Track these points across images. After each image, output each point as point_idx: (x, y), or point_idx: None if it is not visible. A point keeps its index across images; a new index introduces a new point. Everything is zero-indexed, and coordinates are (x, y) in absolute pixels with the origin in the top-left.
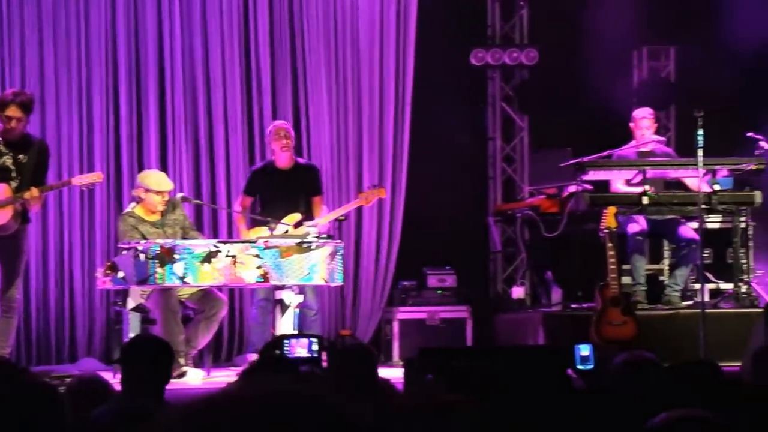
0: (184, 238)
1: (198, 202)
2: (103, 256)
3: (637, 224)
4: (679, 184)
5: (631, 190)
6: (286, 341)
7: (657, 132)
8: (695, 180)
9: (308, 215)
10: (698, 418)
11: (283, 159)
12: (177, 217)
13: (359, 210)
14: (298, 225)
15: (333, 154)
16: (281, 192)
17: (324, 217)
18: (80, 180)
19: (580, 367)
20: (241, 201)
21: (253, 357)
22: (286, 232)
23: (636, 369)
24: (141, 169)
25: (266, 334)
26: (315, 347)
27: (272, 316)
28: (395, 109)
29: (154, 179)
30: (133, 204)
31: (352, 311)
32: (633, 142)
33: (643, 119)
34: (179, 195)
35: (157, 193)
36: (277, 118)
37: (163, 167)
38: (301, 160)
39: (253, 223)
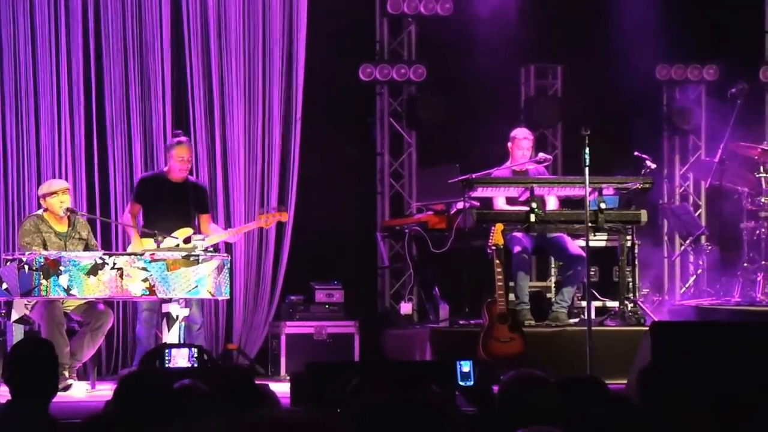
0: None
1: (84, 214)
2: None
3: (522, 242)
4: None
5: (512, 208)
6: (166, 351)
7: (544, 150)
8: (553, 198)
9: (197, 231)
10: None
11: (180, 173)
12: (83, 236)
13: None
14: (188, 240)
15: (221, 167)
16: (172, 204)
17: (217, 235)
18: None
19: (461, 383)
20: (130, 208)
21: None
22: (177, 245)
23: (524, 386)
24: (27, 178)
25: (151, 346)
26: (195, 357)
27: (156, 328)
28: (285, 123)
29: (46, 184)
30: (41, 211)
31: (240, 325)
32: (508, 162)
33: (524, 140)
34: (65, 207)
35: (51, 194)
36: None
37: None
38: (191, 177)
39: (143, 234)
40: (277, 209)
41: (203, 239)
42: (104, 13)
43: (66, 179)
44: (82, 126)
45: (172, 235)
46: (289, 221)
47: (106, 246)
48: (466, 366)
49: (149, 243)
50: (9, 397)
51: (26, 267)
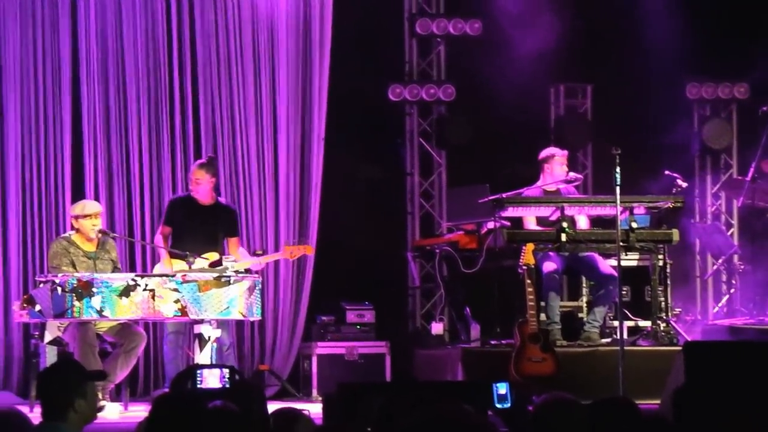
0: None
1: (116, 235)
2: (19, 288)
3: (552, 262)
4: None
5: (542, 228)
6: (198, 372)
7: (574, 169)
8: (584, 218)
9: (225, 254)
10: None
11: (198, 195)
12: (112, 257)
13: (274, 245)
14: (214, 264)
15: (244, 185)
16: (199, 226)
17: (244, 261)
18: None
19: (498, 405)
20: (161, 230)
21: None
22: (203, 268)
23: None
24: (56, 200)
25: (180, 364)
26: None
27: (183, 349)
28: (310, 144)
29: (80, 205)
30: (72, 232)
31: (271, 346)
32: (539, 182)
33: (554, 159)
34: (96, 229)
35: (84, 216)
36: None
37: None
38: (221, 200)
39: (173, 255)
40: (303, 242)
41: (234, 260)
42: (131, 33)
43: (98, 200)
44: (115, 146)
45: (202, 256)
46: (313, 238)
47: (133, 267)
48: (502, 388)
49: (178, 264)
50: (41, 418)
51: (59, 289)
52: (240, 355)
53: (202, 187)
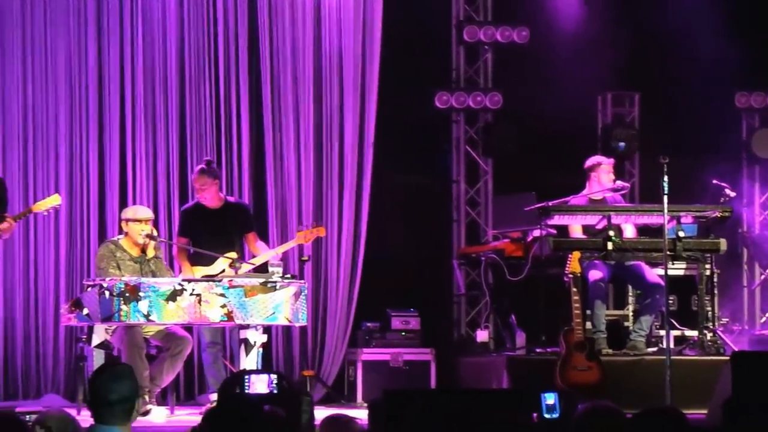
0: None
1: (163, 240)
2: (68, 291)
3: (598, 271)
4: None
5: (588, 237)
6: (245, 377)
7: (621, 178)
8: (630, 226)
9: (243, 253)
10: None
11: (206, 200)
12: (158, 264)
13: (322, 250)
14: (233, 264)
15: (295, 192)
16: (213, 231)
17: (262, 255)
18: (39, 206)
19: (546, 416)
20: (177, 241)
21: (215, 396)
22: (223, 271)
23: (598, 419)
24: (102, 203)
25: (221, 374)
26: (275, 383)
27: (222, 360)
28: (358, 151)
29: (132, 209)
30: (120, 236)
31: (315, 352)
32: (585, 190)
33: (601, 167)
34: (144, 234)
35: (135, 221)
36: (245, 153)
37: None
38: (230, 199)
39: (195, 260)
40: (314, 225)
41: (252, 264)
42: (183, 39)
43: (147, 204)
44: (162, 150)
45: (222, 257)
46: (361, 247)
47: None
48: (550, 398)
49: (199, 271)
50: (91, 421)
51: (107, 293)
52: (287, 360)
53: (207, 193)
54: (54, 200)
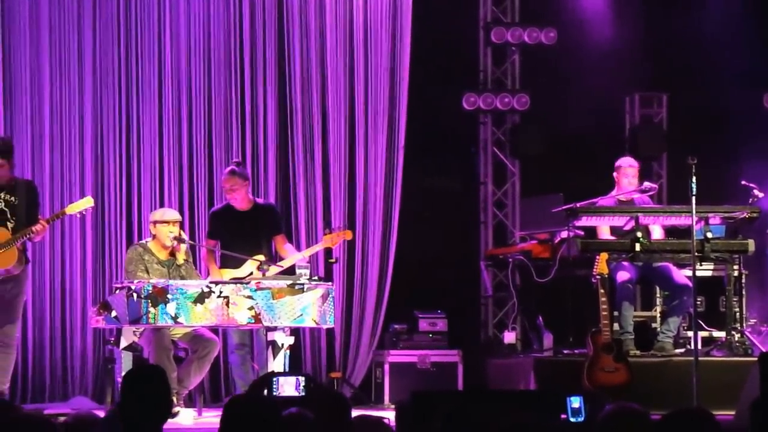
0: None
1: (191, 242)
2: (97, 294)
3: (626, 272)
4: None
5: (616, 238)
6: (274, 379)
7: (649, 179)
8: (658, 228)
9: (271, 256)
10: None
11: (236, 202)
12: (188, 269)
13: (350, 252)
14: (261, 267)
15: (321, 195)
16: (243, 233)
17: (289, 258)
18: (73, 208)
19: (572, 419)
20: (206, 243)
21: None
22: (251, 274)
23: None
24: (130, 210)
25: (250, 375)
26: (302, 386)
27: (250, 363)
28: (388, 153)
29: (159, 211)
30: (149, 239)
31: (342, 354)
32: (614, 191)
33: (629, 169)
34: (172, 236)
35: (163, 223)
36: (271, 155)
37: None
38: (259, 200)
39: (223, 263)
40: (341, 228)
41: (280, 267)
42: (210, 40)
43: (176, 207)
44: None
45: (251, 259)
46: (391, 250)
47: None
48: (576, 402)
49: (227, 274)
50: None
51: (135, 295)
52: (315, 361)
53: (237, 194)
54: (87, 202)
